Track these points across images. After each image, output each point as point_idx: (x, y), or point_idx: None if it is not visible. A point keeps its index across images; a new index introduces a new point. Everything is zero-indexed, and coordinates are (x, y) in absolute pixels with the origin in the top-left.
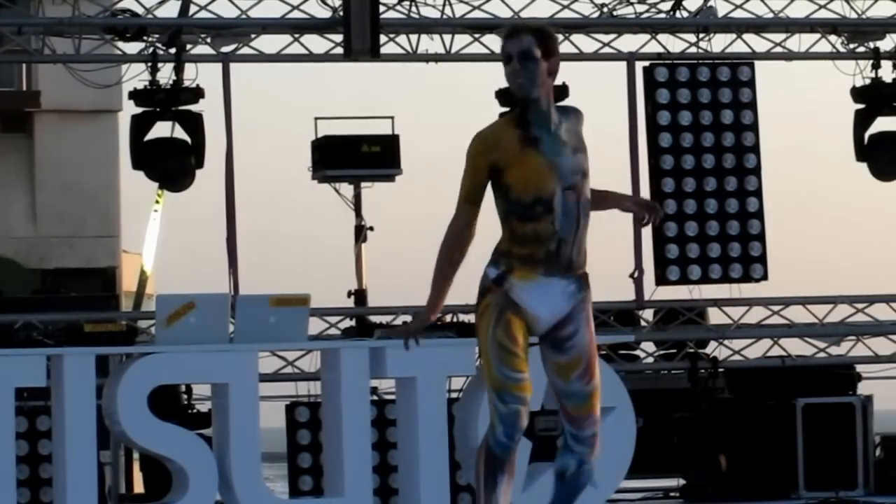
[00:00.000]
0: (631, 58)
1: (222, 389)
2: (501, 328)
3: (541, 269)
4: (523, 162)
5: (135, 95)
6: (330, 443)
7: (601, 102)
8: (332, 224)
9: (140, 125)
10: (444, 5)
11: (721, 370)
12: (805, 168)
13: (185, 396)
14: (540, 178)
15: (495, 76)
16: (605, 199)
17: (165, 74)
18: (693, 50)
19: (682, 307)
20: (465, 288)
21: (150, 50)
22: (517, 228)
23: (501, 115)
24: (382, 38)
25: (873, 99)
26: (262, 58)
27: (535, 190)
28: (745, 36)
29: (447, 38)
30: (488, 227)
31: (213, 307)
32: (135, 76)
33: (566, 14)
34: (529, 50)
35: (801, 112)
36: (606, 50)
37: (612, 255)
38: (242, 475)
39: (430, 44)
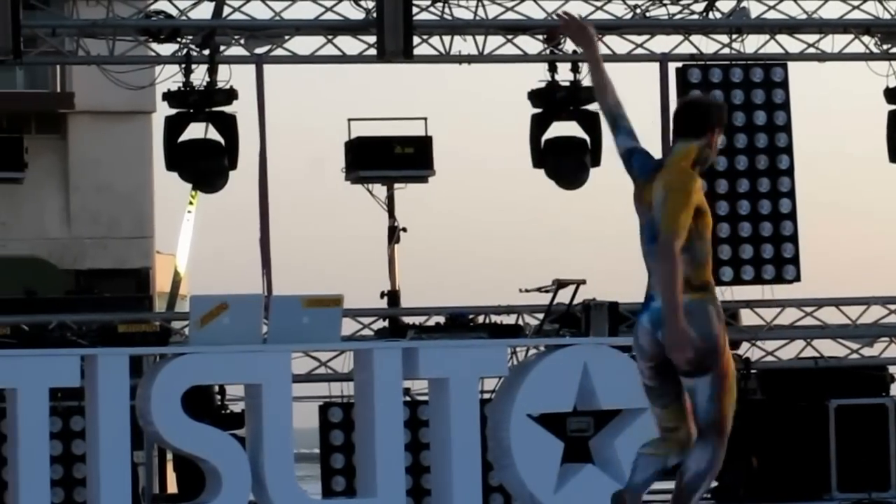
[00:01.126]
0: (664, 59)
1: (255, 390)
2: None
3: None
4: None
5: (168, 97)
6: (363, 443)
7: (634, 103)
8: (365, 225)
9: (174, 126)
10: (476, 6)
11: (754, 371)
12: (838, 169)
13: (218, 397)
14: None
15: (528, 77)
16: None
17: (199, 76)
18: (726, 51)
19: None
20: (495, 289)
21: (184, 51)
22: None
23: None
24: (415, 40)
25: None
26: (295, 59)
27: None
28: (778, 37)
29: (480, 39)
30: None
31: (247, 308)
32: (168, 77)
33: (599, 15)
34: None
35: (834, 113)
36: (639, 51)
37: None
38: (275, 475)
39: (463, 45)
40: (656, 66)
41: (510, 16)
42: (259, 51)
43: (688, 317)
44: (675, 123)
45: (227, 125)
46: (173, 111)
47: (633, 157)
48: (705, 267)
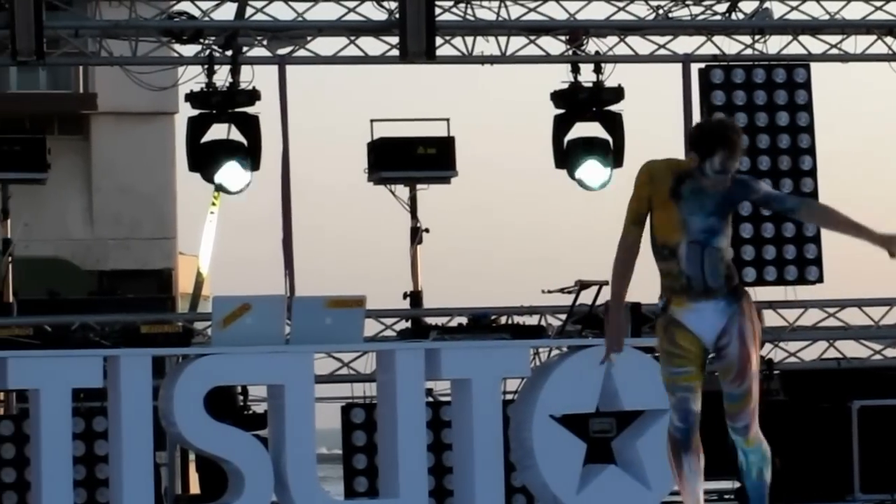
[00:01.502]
0: (686, 59)
1: (278, 391)
2: (667, 338)
3: (685, 297)
4: (666, 209)
5: (191, 98)
6: (385, 444)
7: (657, 104)
8: (388, 226)
9: (196, 127)
10: (499, 7)
11: (776, 372)
12: (861, 170)
13: (240, 398)
14: (670, 230)
15: (551, 78)
16: (858, 230)
17: (222, 77)
18: (748, 51)
19: None
20: (517, 290)
21: (207, 52)
22: (658, 264)
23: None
24: (438, 40)
25: None
26: (318, 60)
27: (664, 237)
28: (800, 37)
29: (503, 39)
30: None
31: (269, 309)
32: (191, 78)
33: (622, 16)
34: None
35: (857, 113)
36: (662, 52)
37: None
38: (298, 476)
39: (486, 46)
40: (679, 66)
41: (533, 16)
42: (282, 52)
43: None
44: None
45: (250, 126)
46: (196, 112)
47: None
48: None
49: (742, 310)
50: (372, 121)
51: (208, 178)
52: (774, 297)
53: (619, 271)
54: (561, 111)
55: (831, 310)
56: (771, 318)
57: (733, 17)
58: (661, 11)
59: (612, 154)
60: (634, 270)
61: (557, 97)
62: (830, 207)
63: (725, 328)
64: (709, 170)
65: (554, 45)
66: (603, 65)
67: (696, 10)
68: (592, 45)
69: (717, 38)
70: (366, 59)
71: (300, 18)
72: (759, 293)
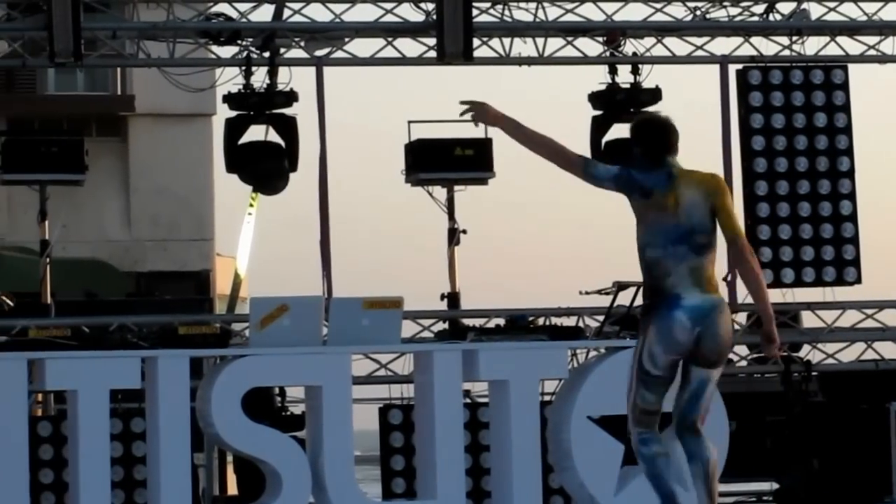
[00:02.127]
0: (724, 60)
1: (315, 392)
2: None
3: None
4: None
5: (229, 99)
6: (423, 445)
7: (694, 105)
8: (426, 227)
9: (234, 129)
10: (536, 9)
11: (814, 374)
12: None
13: (278, 399)
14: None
15: (588, 79)
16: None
17: (259, 78)
18: (786, 53)
19: (775, 310)
20: (555, 291)
21: (244, 54)
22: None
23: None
24: (475, 42)
25: None
26: (355, 61)
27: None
28: (838, 38)
29: (540, 41)
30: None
31: (307, 310)
32: (229, 80)
33: (659, 17)
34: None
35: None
36: (699, 53)
37: None
38: (335, 477)
39: (523, 47)
40: (716, 67)
41: (570, 18)
42: (319, 53)
43: (724, 313)
44: (673, 140)
45: (287, 127)
46: (233, 113)
47: (631, 175)
48: None
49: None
50: (409, 122)
51: (246, 179)
52: (813, 299)
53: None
54: (598, 112)
55: (869, 311)
56: (809, 320)
57: (771, 18)
58: (698, 12)
59: None
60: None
61: (595, 98)
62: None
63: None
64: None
65: (591, 47)
66: (640, 66)
67: (734, 11)
68: (630, 47)
69: (754, 39)
70: (403, 61)
71: (337, 20)
72: (797, 294)
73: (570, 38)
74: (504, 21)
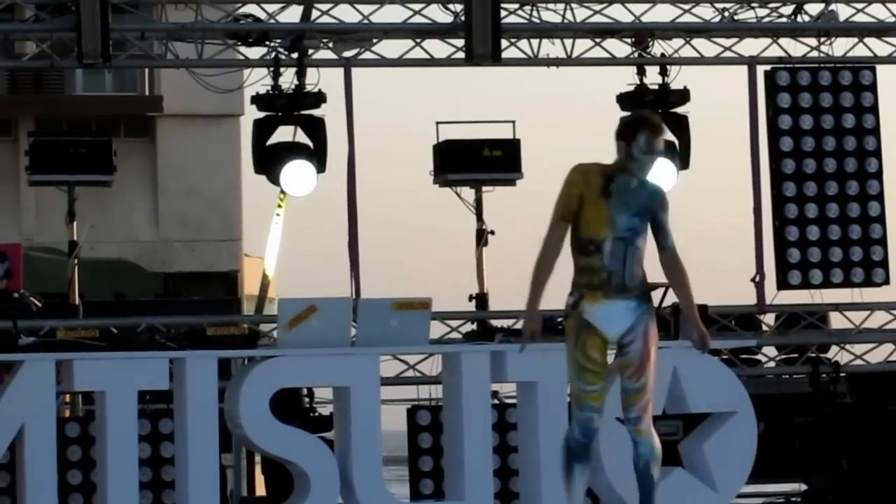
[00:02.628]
0: (752, 62)
1: (344, 393)
2: (578, 349)
3: (601, 292)
4: (596, 206)
5: (257, 100)
6: (451, 446)
7: (722, 106)
8: (454, 228)
9: (262, 129)
10: (564, 10)
11: (843, 375)
12: None
13: (306, 400)
14: (599, 225)
15: (616, 80)
16: (690, 308)
17: (287, 79)
18: (814, 54)
19: (804, 311)
20: None
21: (273, 55)
22: (577, 259)
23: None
24: (504, 43)
25: None
26: (383, 62)
27: (592, 232)
28: (866, 40)
29: (568, 42)
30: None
31: (335, 311)
32: (257, 81)
33: (687, 18)
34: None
35: None
36: (728, 54)
37: (733, 259)
38: (364, 478)
39: (552, 48)
40: (744, 69)
41: (598, 19)
42: (347, 54)
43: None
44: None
45: (316, 128)
46: (262, 114)
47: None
48: None
49: (649, 311)
50: (438, 123)
51: (274, 180)
52: (841, 300)
53: (545, 263)
54: (627, 113)
55: None
56: (837, 321)
57: (799, 19)
58: (726, 14)
59: (679, 156)
60: (702, 272)
61: (623, 99)
62: (685, 274)
63: (632, 326)
64: (636, 152)
65: (619, 48)
66: (668, 67)
67: (762, 12)
68: (658, 48)
69: (782, 41)
70: (431, 62)
71: (366, 21)
72: (825, 295)
73: (598, 40)
74: (532, 22)
